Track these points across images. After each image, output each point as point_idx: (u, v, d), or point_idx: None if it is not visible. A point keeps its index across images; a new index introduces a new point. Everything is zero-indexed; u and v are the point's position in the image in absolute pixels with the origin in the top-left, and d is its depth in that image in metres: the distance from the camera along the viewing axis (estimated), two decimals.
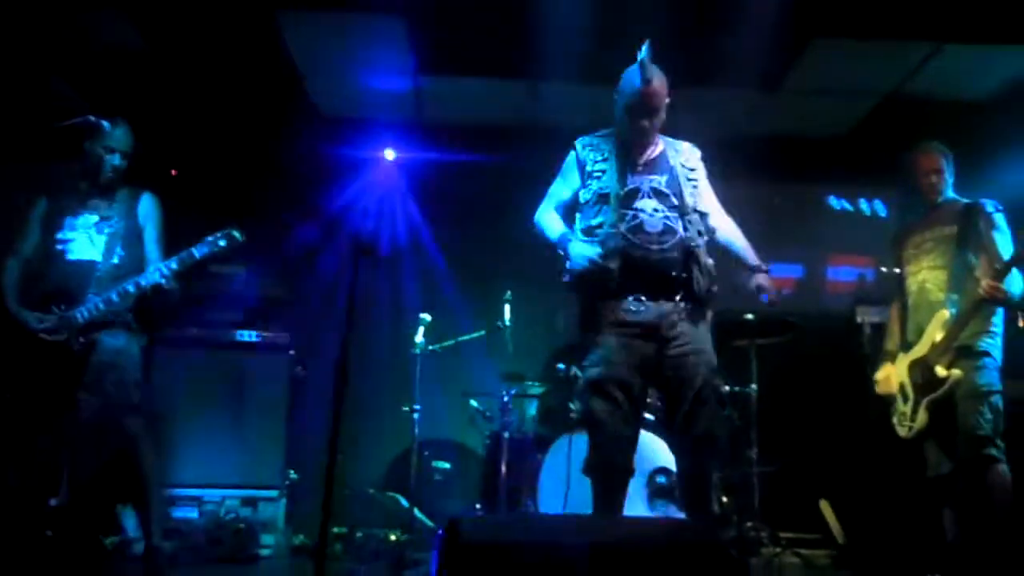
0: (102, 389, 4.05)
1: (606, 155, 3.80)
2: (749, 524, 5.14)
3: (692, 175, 3.81)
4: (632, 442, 3.66)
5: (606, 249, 3.61)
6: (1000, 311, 4.17)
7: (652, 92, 3.67)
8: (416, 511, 5.35)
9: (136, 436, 4.14)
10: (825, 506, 5.53)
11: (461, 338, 5.60)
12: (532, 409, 5.78)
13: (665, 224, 3.65)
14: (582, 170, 3.83)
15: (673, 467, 4.32)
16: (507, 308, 5.40)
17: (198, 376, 5.39)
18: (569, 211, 3.85)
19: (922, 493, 4.32)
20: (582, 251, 3.63)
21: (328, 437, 3.11)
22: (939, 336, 4.14)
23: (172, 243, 4.34)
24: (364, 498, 5.84)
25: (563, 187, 3.89)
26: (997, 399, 4.04)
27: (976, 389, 4.04)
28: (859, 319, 5.92)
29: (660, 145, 3.84)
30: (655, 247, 3.62)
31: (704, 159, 3.91)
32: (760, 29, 5.09)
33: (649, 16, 4.62)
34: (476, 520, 3.69)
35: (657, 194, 3.71)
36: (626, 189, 3.70)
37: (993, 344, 4.13)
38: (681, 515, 4.18)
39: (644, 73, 3.62)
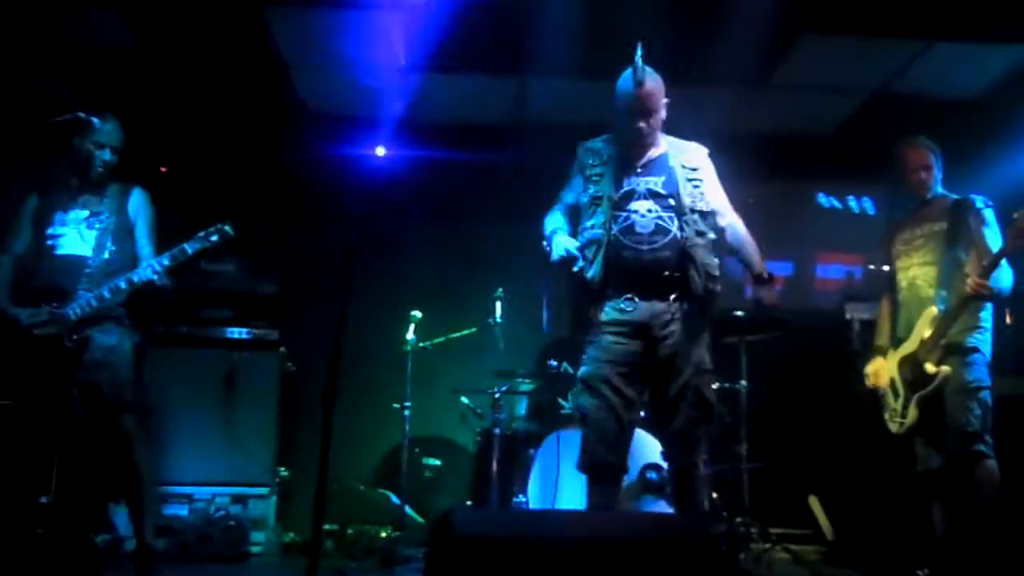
0: (95, 387, 4.03)
1: (605, 159, 3.86)
2: (739, 520, 5.15)
3: (694, 175, 3.83)
4: (625, 439, 3.71)
5: (583, 242, 3.70)
6: (989, 307, 4.19)
7: (645, 94, 3.71)
8: (407, 508, 5.36)
9: (129, 434, 4.12)
10: (814, 502, 5.57)
11: (452, 335, 5.61)
12: (523, 406, 5.80)
13: (657, 224, 3.69)
14: (582, 174, 3.89)
15: (665, 463, 4.35)
16: (498, 305, 5.41)
17: (188, 373, 5.38)
18: (574, 214, 3.91)
19: (911, 488, 4.35)
20: (561, 243, 3.69)
21: (319, 434, 3.11)
22: (928, 332, 4.16)
23: (161, 239, 4.32)
24: (355, 495, 5.84)
25: (568, 191, 3.97)
26: (986, 395, 4.07)
27: (965, 385, 4.06)
28: (848, 316, 5.93)
29: (662, 146, 3.87)
30: (646, 247, 3.68)
31: (711, 155, 3.94)
32: (747, 25, 5.09)
33: (637, 13, 4.65)
34: (468, 513, 3.70)
35: (653, 195, 3.75)
36: (621, 192, 3.76)
37: (982, 340, 4.15)
38: (671, 511, 4.21)
39: (636, 75, 3.68)
